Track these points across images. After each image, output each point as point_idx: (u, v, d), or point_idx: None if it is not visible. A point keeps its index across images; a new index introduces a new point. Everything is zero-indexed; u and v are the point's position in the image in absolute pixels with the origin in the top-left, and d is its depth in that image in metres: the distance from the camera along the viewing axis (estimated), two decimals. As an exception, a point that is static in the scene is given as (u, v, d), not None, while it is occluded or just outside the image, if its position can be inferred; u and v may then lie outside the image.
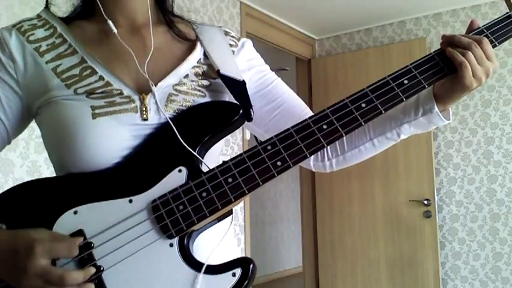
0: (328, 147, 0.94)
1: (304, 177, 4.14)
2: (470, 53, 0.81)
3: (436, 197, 3.57)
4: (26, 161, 2.10)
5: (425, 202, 3.54)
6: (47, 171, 2.17)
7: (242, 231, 3.27)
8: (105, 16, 0.83)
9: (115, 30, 0.82)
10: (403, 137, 0.92)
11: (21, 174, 2.08)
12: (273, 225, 6.66)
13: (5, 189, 0.75)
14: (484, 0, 3.53)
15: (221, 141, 0.81)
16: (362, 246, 3.78)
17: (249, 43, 0.97)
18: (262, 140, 0.78)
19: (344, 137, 0.88)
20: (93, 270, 0.67)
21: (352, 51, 4.05)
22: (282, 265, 6.68)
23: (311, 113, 0.93)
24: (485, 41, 0.83)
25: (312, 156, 0.95)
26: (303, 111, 0.95)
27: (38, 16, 0.86)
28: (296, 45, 4.00)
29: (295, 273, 6.54)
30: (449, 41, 0.85)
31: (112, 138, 0.75)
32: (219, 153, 0.87)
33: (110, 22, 0.82)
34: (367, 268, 3.75)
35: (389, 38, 3.92)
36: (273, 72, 0.98)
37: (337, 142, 0.93)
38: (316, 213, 4.00)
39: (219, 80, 0.86)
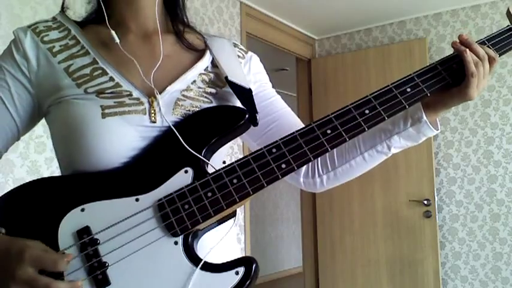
0: (319, 163, 0.96)
1: (304, 177, 4.13)
2: (481, 65, 0.84)
3: (436, 197, 3.57)
4: (26, 161, 2.10)
5: (425, 202, 3.54)
6: (47, 171, 2.17)
7: (242, 231, 3.27)
8: (108, 26, 0.85)
9: (117, 40, 0.84)
10: (393, 150, 0.94)
11: (21, 174, 2.08)
12: (273, 225, 6.67)
13: (5, 189, 0.76)
14: (484, 0, 3.53)
15: (226, 145, 0.83)
16: (362, 246, 3.78)
17: (256, 57, 0.99)
18: None
19: (335, 152, 0.91)
20: (80, 283, 0.68)
21: (352, 51, 4.05)
22: (282, 265, 6.69)
23: None
24: (497, 60, 0.86)
25: (302, 173, 0.97)
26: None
27: (53, 18, 0.89)
28: (296, 45, 4.00)
29: (295, 273, 6.55)
30: (465, 44, 0.85)
31: (121, 138, 0.77)
32: (224, 157, 0.87)
33: (113, 32, 0.84)
34: (367, 268, 3.75)
35: (389, 38, 3.92)
36: (274, 89, 1.00)
37: (327, 157, 0.95)
38: (316, 213, 4.00)
39: (226, 89, 0.88)
